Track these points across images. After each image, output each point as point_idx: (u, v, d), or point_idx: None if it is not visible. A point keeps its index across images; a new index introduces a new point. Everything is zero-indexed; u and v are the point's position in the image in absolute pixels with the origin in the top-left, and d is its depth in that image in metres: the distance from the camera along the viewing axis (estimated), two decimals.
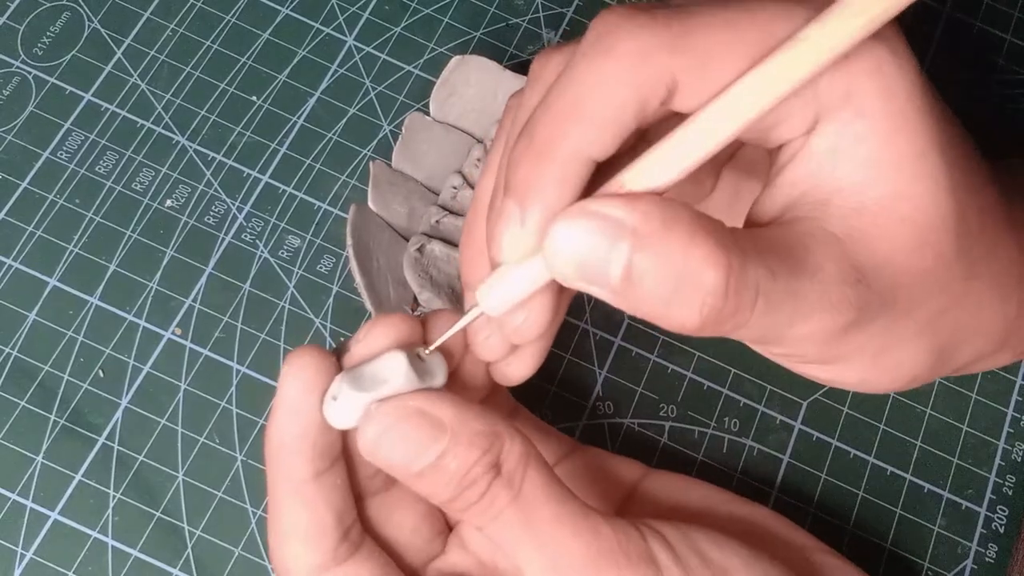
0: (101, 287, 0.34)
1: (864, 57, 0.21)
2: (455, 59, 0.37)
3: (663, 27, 0.21)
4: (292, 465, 0.24)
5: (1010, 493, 0.34)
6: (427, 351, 0.25)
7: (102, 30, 0.37)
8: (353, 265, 0.33)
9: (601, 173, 0.23)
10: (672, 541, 0.25)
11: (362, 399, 0.24)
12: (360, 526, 0.26)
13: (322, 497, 0.25)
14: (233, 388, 0.33)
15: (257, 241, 0.35)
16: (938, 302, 0.24)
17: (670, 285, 0.20)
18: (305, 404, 0.24)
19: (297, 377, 0.24)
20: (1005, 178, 0.27)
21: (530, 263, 0.23)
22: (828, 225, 0.22)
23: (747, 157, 0.28)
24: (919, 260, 0.23)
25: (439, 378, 0.25)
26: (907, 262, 0.23)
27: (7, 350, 0.33)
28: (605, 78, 0.21)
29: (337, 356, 0.25)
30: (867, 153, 0.22)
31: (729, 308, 0.20)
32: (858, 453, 0.34)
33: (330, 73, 0.38)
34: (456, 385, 0.26)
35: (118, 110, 0.36)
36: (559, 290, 0.25)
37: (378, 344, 0.25)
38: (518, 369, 0.27)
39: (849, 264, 0.22)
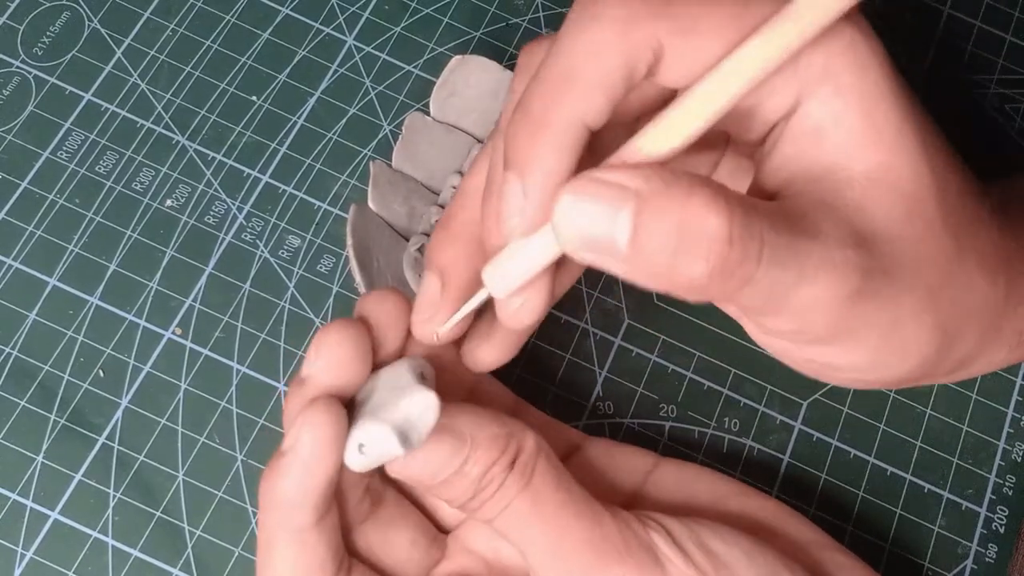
0: (101, 287, 0.34)
1: (837, 36, 0.22)
2: (455, 59, 0.37)
3: None
4: (297, 516, 0.24)
5: (1010, 493, 0.34)
6: (440, 330, 0.25)
7: (102, 30, 0.37)
8: (353, 265, 0.33)
9: (596, 153, 0.23)
10: (675, 533, 0.26)
11: (396, 452, 0.23)
12: (347, 556, 0.26)
13: (323, 540, 0.25)
14: (233, 388, 0.33)
15: (257, 241, 0.35)
16: (933, 275, 0.24)
17: (675, 240, 0.20)
18: (324, 460, 0.24)
19: (316, 436, 0.24)
20: (996, 191, 0.27)
21: (536, 238, 0.23)
22: (823, 198, 0.23)
23: (737, 158, 0.29)
24: (911, 227, 0.23)
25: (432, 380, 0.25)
26: (900, 230, 0.23)
27: (7, 350, 0.33)
28: (594, 44, 0.22)
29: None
30: (848, 128, 0.23)
31: (735, 256, 0.20)
32: (858, 453, 0.34)
33: (330, 73, 0.38)
34: (440, 382, 0.26)
35: (118, 110, 0.36)
36: (553, 277, 0.25)
37: (335, 352, 0.25)
38: (489, 354, 0.27)
39: (849, 229, 0.22)
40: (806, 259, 0.22)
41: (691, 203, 0.20)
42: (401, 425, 0.23)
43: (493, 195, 0.23)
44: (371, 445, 0.24)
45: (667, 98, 0.24)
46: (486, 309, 0.27)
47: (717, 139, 0.28)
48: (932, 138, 0.24)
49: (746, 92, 0.22)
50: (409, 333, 0.27)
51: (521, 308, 0.24)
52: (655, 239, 0.20)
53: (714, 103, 0.22)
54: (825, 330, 0.24)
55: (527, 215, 0.23)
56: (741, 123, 0.24)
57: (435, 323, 0.26)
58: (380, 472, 0.26)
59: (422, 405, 0.24)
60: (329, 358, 0.24)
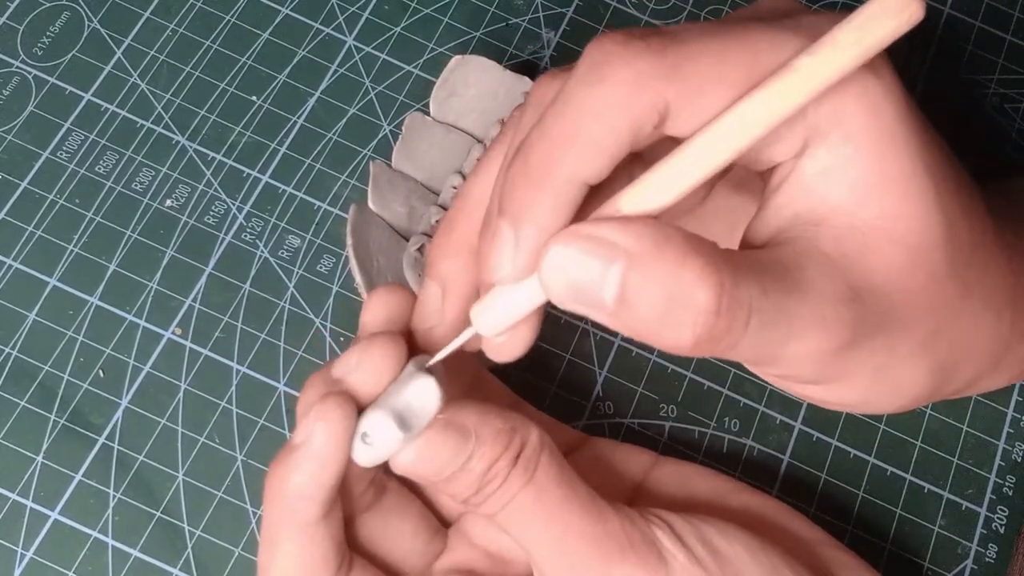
0: (101, 287, 0.34)
1: (851, 82, 0.22)
2: (455, 59, 0.37)
3: (656, 55, 0.22)
4: (305, 511, 0.24)
5: (1010, 493, 0.34)
6: (428, 363, 0.25)
7: (102, 30, 0.37)
8: (353, 265, 0.33)
9: (595, 194, 0.23)
10: (678, 529, 0.26)
11: (397, 436, 0.24)
12: (348, 551, 0.26)
13: (328, 535, 0.25)
14: (233, 388, 0.33)
15: (257, 241, 0.35)
16: (933, 321, 0.24)
17: (663, 305, 0.21)
18: (336, 455, 0.24)
19: (330, 431, 0.24)
20: (997, 199, 0.27)
21: (524, 285, 0.23)
22: (821, 245, 0.23)
23: (740, 175, 0.29)
24: (912, 279, 0.23)
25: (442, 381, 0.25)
26: (900, 281, 0.23)
27: (7, 350, 0.33)
28: (599, 105, 0.22)
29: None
30: (856, 175, 0.22)
31: (722, 327, 0.21)
32: (858, 453, 0.34)
33: (330, 73, 0.38)
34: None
35: (118, 110, 0.36)
36: (540, 318, 0.25)
37: (379, 365, 0.25)
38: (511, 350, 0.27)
39: (843, 283, 0.22)
40: (795, 318, 0.22)
41: (681, 273, 0.20)
42: (402, 411, 0.24)
43: (488, 236, 0.24)
44: (374, 433, 0.24)
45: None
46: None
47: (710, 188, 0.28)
48: (947, 183, 0.23)
49: (748, 147, 0.21)
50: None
51: (505, 345, 0.25)
52: (642, 301, 0.21)
53: (713, 158, 0.21)
54: (814, 377, 0.24)
55: (517, 264, 0.23)
56: (746, 160, 0.24)
57: (436, 332, 0.26)
58: (384, 465, 0.26)
59: (423, 391, 0.24)
60: (371, 371, 0.25)
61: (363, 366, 0.25)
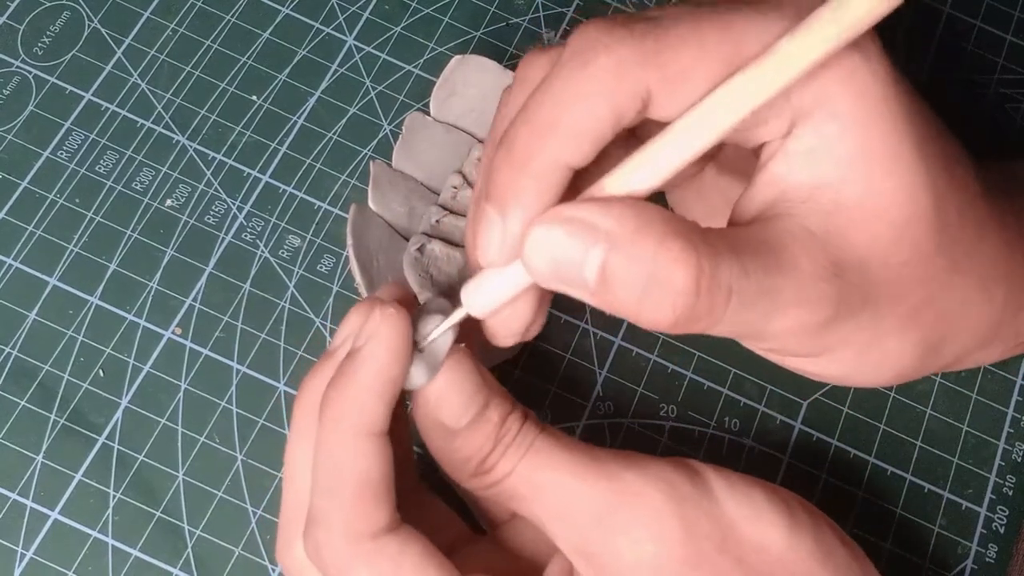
0: (101, 287, 0.34)
1: (836, 62, 0.22)
2: (455, 59, 0.37)
3: (639, 42, 0.22)
4: (374, 414, 0.24)
5: (1010, 493, 0.34)
6: (425, 342, 0.25)
7: (102, 30, 0.37)
8: (353, 265, 0.33)
9: (586, 175, 0.23)
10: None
11: (448, 337, 0.25)
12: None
13: (387, 455, 0.24)
14: (233, 388, 0.33)
15: (257, 241, 0.35)
16: (920, 295, 0.24)
17: (642, 286, 0.21)
18: (402, 359, 0.24)
19: (397, 329, 0.24)
20: (997, 177, 0.27)
21: (512, 267, 0.24)
22: (807, 222, 0.23)
23: (731, 154, 0.29)
24: (897, 254, 0.23)
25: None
26: (886, 256, 0.23)
27: (7, 350, 0.33)
28: (582, 92, 0.22)
29: None
30: (842, 152, 0.23)
31: (701, 306, 0.21)
32: (858, 453, 0.34)
33: (330, 73, 0.38)
34: None
35: (118, 110, 0.36)
36: (539, 301, 0.25)
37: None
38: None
39: (827, 260, 0.23)
40: (777, 297, 0.22)
41: (660, 255, 0.21)
42: (438, 311, 0.25)
43: (475, 220, 0.24)
44: (430, 336, 0.25)
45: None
46: None
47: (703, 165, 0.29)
48: (937, 159, 0.24)
49: (730, 130, 0.22)
50: None
51: (501, 326, 0.25)
52: (623, 282, 0.21)
53: (694, 142, 0.22)
54: (800, 350, 0.25)
55: (505, 247, 0.23)
56: (735, 139, 0.24)
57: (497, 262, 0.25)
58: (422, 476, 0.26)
59: (442, 304, 0.26)
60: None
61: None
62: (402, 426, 0.27)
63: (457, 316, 0.25)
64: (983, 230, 0.25)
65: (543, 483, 0.25)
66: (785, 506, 0.26)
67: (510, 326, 0.25)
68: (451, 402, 0.25)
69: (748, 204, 0.24)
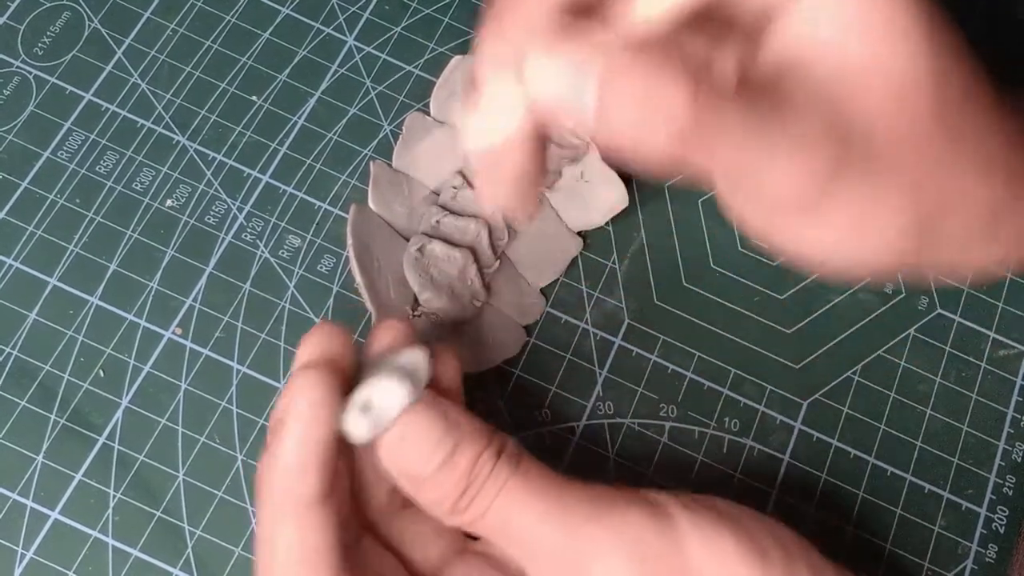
0: (101, 287, 0.34)
1: None
2: (455, 59, 0.37)
3: None
4: (301, 486, 0.24)
5: (1010, 493, 0.34)
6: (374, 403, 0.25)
7: (102, 30, 0.37)
8: (353, 265, 0.33)
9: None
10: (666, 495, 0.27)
11: (405, 393, 0.25)
12: (355, 557, 0.26)
13: (330, 520, 0.25)
14: (233, 388, 0.33)
15: (257, 241, 0.35)
16: (918, 167, 0.24)
17: (639, 106, 0.21)
18: (320, 419, 0.24)
19: (312, 394, 0.24)
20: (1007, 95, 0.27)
21: (511, 99, 0.23)
22: (813, 85, 0.23)
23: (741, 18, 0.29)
24: (897, 123, 0.23)
25: (424, 379, 0.26)
26: (886, 125, 0.23)
27: (7, 350, 0.33)
28: None
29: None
30: (845, 17, 0.23)
31: (698, 123, 0.21)
32: (858, 453, 0.34)
33: (330, 73, 0.38)
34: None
35: (118, 110, 0.36)
36: (536, 144, 0.25)
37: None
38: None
39: (832, 116, 0.23)
40: (779, 135, 0.22)
41: (658, 74, 0.21)
42: (400, 370, 0.25)
43: (481, 51, 0.24)
44: (378, 396, 0.25)
45: None
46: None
47: (720, 24, 0.28)
48: (941, 35, 0.24)
49: None
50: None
51: (499, 177, 0.25)
52: (620, 105, 0.21)
53: None
54: (795, 202, 0.24)
55: (503, 82, 0.23)
56: (739, 6, 0.24)
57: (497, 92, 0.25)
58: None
59: (414, 358, 0.25)
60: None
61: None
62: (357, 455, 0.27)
63: (414, 395, 0.25)
64: (986, 114, 0.25)
65: (514, 527, 0.25)
66: (757, 551, 0.26)
67: (507, 174, 0.25)
68: (414, 451, 0.25)
69: (755, 72, 0.24)
